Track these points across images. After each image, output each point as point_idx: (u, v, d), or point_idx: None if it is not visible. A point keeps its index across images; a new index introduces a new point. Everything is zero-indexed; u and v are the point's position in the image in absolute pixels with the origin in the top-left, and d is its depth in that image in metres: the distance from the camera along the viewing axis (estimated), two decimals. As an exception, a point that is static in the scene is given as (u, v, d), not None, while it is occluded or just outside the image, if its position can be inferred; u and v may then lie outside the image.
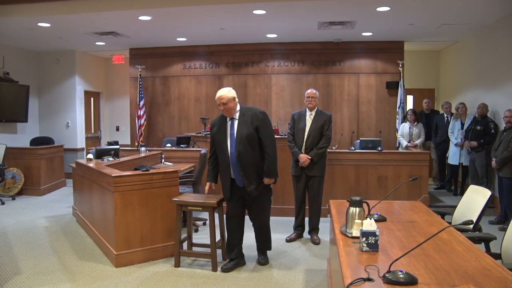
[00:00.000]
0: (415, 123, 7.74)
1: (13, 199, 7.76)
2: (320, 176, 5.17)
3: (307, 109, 5.21)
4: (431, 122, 8.26)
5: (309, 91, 5.23)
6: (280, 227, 5.82)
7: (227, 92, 4.07)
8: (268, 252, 4.53)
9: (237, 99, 4.16)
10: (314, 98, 5.16)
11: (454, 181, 8.06)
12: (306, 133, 5.12)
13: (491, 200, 3.28)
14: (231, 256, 4.29)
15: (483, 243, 3.11)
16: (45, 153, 8.40)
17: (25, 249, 4.89)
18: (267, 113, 4.26)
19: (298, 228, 5.32)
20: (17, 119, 8.99)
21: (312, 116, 5.16)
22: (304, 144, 5.12)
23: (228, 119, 4.17)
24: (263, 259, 4.43)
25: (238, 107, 4.17)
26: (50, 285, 3.86)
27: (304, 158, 5.05)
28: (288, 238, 5.24)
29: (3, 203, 7.31)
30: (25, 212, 6.78)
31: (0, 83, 8.42)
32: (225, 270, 4.19)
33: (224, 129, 4.17)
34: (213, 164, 4.30)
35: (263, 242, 4.44)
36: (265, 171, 4.14)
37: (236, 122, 4.13)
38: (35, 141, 9.16)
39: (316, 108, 5.21)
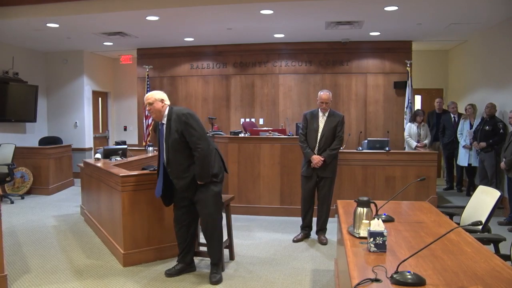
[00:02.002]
0: (422, 123, 7.69)
1: (22, 198, 7.82)
2: (331, 177, 5.13)
3: (319, 109, 5.13)
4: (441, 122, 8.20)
5: (323, 95, 5.06)
6: (288, 227, 5.82)
7: (154, 93, 3.88)
8: (274, 252, 4.51)
9: (167, 103, 3.89)
10: (329, 103, 5.08)
11: (463, 182, 8.02)
12: (319, 134, 5.06)
13: (500, 201, 3.26)
14: (178, 260, 4.14)
15: (492, 244, 3.08)
16: (54, 152, 8.46)
17: (34, 248, 4.93)
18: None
19: (306, 228, 5.30)
20: (26, 119, 9.06)
21: (325, 117, 5.09)
22: (317, 145, 5.06)
23: (160, 124, 3.94)
24: (213, 277, 3.91)
25: (166, 111, 3.87)
26: (59, 283, 3.89)
27: (317, 159, 4.99)
28: (295, 239, 5.22)
29: (12, 202, 7.37)
30: (34, 211, 6.83)
31: (9, 83, 8.49)
32: (168, 275, 4.04)
33: (158, 135, 4.00)
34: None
35: (210, 250, 4.01)
36: (196, 175, 3.78)
37: (164, 128, 3.87)
38: (44, 141, 9.24)
39: (329, 108, 5.15)
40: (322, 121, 5.09)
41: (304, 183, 5.24)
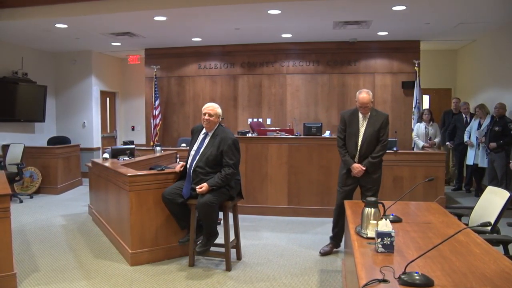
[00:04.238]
0: (431, 123, 7.66)
1: (31, 197, 7.88)
2: (376, 187, 4.48)
3: (359, 109, 4.47)
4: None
5: (362, 98, 4.33)
6: (295, 227, 5.81)
7: (217, 108, 4.27)
8: (281, 252, 4.48)
9: (220, 120, 4.32)
10: (369, 105, 4.36)
11: (472, 183, 7.97)
12: (360, 139, 4.41)
13: (509, 201, 3.22)
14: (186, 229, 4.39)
15: (501, 246, 3.06)
16: (62, 152, 8.52)
17: (43, 247, 4.97)
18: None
19: (334, 238, 4.72)
20: (35, 119, 9.14)
21: (366, 119, 4.41)
22: (358, 152, 4.41)
23: (203, 132, 4.33)
24: (199, 246, 4.13)
25: (216, 126, 4.29)
26: (67, 282, 3.91)
27: (358, 168, 4.38)
28: (322, 251, 4.66)
29: (21, 202, 7.44)
30: (42, 211, 6.88)
31: (19, 83, 8.57)
32: (181, 243, 4.36)
33: (195, 139, 4.37)
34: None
35: (202, 222, 4.19)
36: (213, 178, 4.08)
37: (207, 140, 4.27)
38: (52, 141, 9.30)
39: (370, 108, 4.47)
40: (363, 123, 4.42)
41: (340, 191, 4.59)
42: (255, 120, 9.05)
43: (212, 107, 4.25)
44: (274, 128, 7.19)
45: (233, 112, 9.33)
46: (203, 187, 4.06)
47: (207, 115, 4.21)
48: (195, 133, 4.43)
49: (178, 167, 4.48)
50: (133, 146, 6.48)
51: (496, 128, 6.62)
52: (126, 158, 5.86)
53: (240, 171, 4.43)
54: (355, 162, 4.43)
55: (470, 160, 7.46)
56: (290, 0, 5.95)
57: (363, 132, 4.41)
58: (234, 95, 9.33)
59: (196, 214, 4.29)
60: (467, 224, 3.31)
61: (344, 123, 4.53)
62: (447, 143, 8.15)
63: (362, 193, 4.52)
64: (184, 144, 7.75)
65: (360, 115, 4.45)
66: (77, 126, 9.91)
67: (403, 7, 6.16)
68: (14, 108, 8.50)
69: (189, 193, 4.19)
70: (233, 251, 4.47)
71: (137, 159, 5.99)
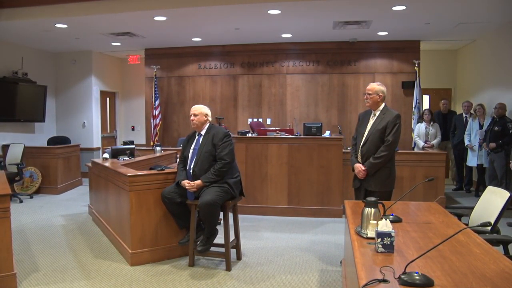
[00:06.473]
0: (431, 123, 7.66)
1: (31, 197, 7.88)
2: (380, 192, 4.08)
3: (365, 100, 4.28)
4: (448, 122, 8.18)
5: (369, 85, 4.25)
6: (295, 227, 5.81)
7: (201, 107, 4.41)
8: (281, 252, 4.47)
9: (209, 118, 4.42)
10: (372, 94, 4.14)
11: (472, 183, 7.97)
12: (364, 138, 4.19)
13: (509, 201, 3.22)
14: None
15: (501, 246, 3.06)
16: (62, 152, 8.52)
17: (43, 247, 4.97)
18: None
19: None
20: (35, 119, 9.14)
21: (375, 117, 4.18)
22: (360, 151, 4.20)
23: (196, 134, 4.44)
24: (199, 245, 4.17)
25: (207, 125, 4.41)
26: (67, 282, 3.91)
27: (358, 168, 4.16)
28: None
29: (21, 202, 7.43)
30: (42, 211, 6.88)
31: (19, 83, 8.57)
32: (181, 244, 4.40)
33: (191, 144, 4.45)
34: (182, 167, 4.43)
35: (204, 222, 4.23)
36: (206, 174, 4.17)
37: (201, 139, 4.38)
38: (52, 141, 9.30)
39: (382, 106, 4.20)
40: (371, 122, 4.19)
41: (354, 196, 4.44)
42: (255, 120, 9.05)
43: (196, 108, 4.40)
44: (274, 128, 7.19)
45: (233, 112, 9.34)
46: (195, 184, 4.15)
47: (192, 115, 4.35)
48: (189, 138, 4.51)
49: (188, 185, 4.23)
50: (133, 146, 6.49)
51: (496, 128, 6.62)
52: (126, 158, 5.86)
53: (240, 170, 4.46)
54: (359, 162, 4.21)
55: (472, 161, 7.44)
56: (290, 0, 5.95)
57: (368, 129, 4.18)
58: (234, 95, 9.33)
59: (196, 215, 4.29)
60: (467, 224, 3.31)
61: (358, 123, 4.41)
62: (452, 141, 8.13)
63: (367, 196, 4.10)
64: (184, 144, 7.75)
65: (372, 115, 4.22)
66: (77, 126, 9.91)
67: (403, 7, 6.16)
68: (14, 108, 8.50)
69: (193, 196, 4.22)
70: (233, 251, 4.47)
71: (137, 159, 5.99)
